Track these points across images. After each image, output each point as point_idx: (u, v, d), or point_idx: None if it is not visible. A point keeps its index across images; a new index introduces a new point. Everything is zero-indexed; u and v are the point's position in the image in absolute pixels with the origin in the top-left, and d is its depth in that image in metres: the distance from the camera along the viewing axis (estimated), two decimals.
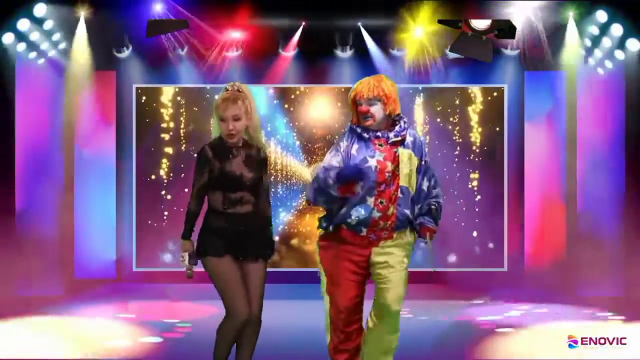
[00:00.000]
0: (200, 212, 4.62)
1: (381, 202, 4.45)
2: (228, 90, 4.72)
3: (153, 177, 10.21)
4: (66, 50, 9.78)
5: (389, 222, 4.47)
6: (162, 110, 10.40)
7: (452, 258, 10.25)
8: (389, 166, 4.48)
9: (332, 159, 4.52)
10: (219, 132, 4.63)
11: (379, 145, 4.51)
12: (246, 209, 4.60)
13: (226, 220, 4.57)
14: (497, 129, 10.38)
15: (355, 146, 4.54)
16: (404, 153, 4.52)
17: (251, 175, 4.61)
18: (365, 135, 4.54)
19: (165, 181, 10.25)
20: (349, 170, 4.39)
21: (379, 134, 4.53)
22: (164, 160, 10.27)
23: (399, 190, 4.48)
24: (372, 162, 4.47)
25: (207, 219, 4.63)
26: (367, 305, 4.60)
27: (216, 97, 4.74)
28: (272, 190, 10.48)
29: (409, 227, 4.55)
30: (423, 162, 4.59)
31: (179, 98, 10.39)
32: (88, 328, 7.43)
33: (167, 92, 10.41)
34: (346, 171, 4.39)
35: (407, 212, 4.51)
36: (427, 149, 4.66)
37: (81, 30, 9.58)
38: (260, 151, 4.71)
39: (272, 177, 10.44)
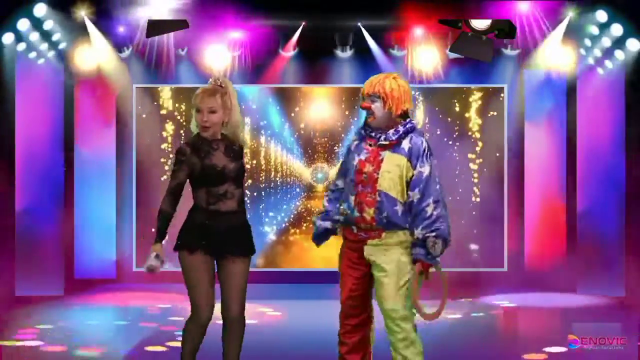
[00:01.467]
0: (173, 214, 4.55)
1: (360, 203, 4.44)
2: (210, 83, 4.69)
3: (153, 177, 10.21)
4: (63, 51, 9.78)
5: (369, 225, 4.44)
6: (162, 110, 10.40)
7: (452, 258, 10.24)
8: (367, 167, 4.44)
9: (339, 166, 4.72)
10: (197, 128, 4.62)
11: (369, 145, 4.50)
12: (230, 205, 4.54)
13: (208, 217, 4.54)
14: (497, 129, 10.37)
15: (356, 142, 4.59)
16: (392, 158, 4.43)
17: (233, 165, 4.57)
18: (363, 132, 4.56)
19: (166, 181, 10.24)
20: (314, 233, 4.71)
21: (372, 133, 4.50)
22: (164, 160, 10.26)
23: (377, 194, 4.40)
24: (355, 160, 4.50)
25: (189, 215, 4.61)
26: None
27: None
28: (273, 189, 10.47)
29: (404, 230, 4.43)
30: (415, 172, 4.41)
31: (178, 98, 10.39)
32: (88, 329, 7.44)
33: (167, 92, 10.41)
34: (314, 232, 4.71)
35: (390, 218, 4.38)
36: (429, 160, 4.44)
37: (93, 32, 9.58)
38: (237, 144, 4.66)
39: (272, 177, 10.45)
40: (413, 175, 4.41)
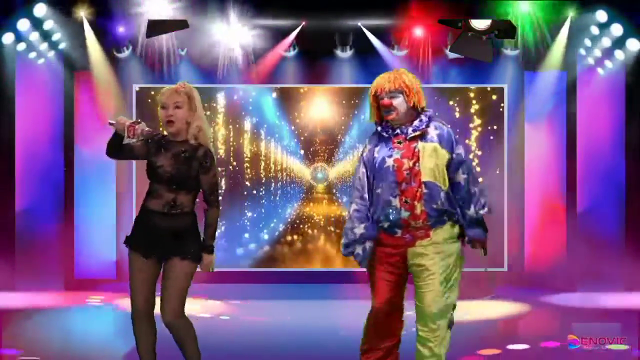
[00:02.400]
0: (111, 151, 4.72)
1: (406, 201, 4.36)
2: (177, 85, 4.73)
3: None
4: (67, 51, 9.78)
5: (421, 221, 4.37)
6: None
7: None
8: (407, 163, 4.37)
9: (356, 176, 4.54)
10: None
11: (398, 142, 4.43)
12: (156, 204, 4.57)
13: (144, 214, 4.61)
14: (497, 129, 10.37)
15: (377, 147, 4.49)
16: (426, 147, 4.39)
17: (171, 170, 4.57)
18: (385, 134, 4.47)
19: None
20: (344, 253, 4.52)
21: (397, 131, 4.44)
22: None
23: (423, 186, 4.35)
24: (389, 162, 4.40)
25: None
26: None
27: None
28: (273, 190, 10.47)
29: (449, 222, 4.43)
30: (454, 155, 4.43)
31: None
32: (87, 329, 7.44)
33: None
34: (344, 251, 4.52)
35: (439, 207, 4.37)
36: (458, 141, 4.49)
37: (89, 33, 9.57)
38: (199, 150, 4.60)
39: (272, 177, 10.44)
40: (450, 159, 4.42)
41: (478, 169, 10.37)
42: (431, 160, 4.38)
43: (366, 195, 4.48)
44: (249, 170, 10.41)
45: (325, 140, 10.47)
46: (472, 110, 10.40)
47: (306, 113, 10.49)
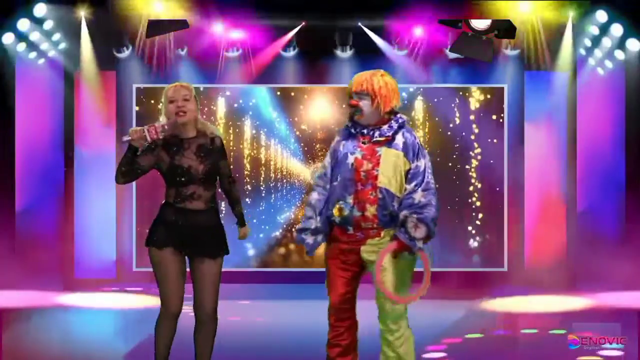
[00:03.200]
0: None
1: (359, 202, 4.39)
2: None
3: (153, 177, 10.18)
4: (67, 51, 9.78)
5: (371, 223, 4.39)
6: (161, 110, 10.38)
7: (452, 258, 10.24)
8: (366, 165, 4.39)
9: (321, 164, 4.62)
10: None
11: (363, 142, 4.45)
12: (197, 205, 4.61)
13: (175, 214, 4.61)
14: (497, 129, 10.36)
15: (343, 142, 4.53)
16: (389, 153, 4.39)
17: (202, 167, 4.61)
18: (353, 130, 4.50)
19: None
20: (297, 237, 4.62)
21: (365, 130, 4.45)
22: None
23: (378, 190, 4.36)
24: (350, 159, 4.43)
25: (160, 211, 4.69)
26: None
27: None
28: (273, 189, 10.47)
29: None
30: (413, 166, 4.39)
31: None
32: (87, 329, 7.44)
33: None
34: (297, 236, 4.61)
35: (392, 213, 4.36)
36: (423, 153, 4.43)
37: (84, 32, 9.56)
38: (214, 140, 4.72)
39: (272, 176, 10.44)
40: (409, 170, 4.40)
41: (477, 169, 10.38)
42: (391, 167, 4.38)
43: (328, 186, 4.54)
44: (248, 170, 10.41)
45: (325, 140, 10.46)
46: (472, 110, 10.39)
47: (306, 113, 10.49)
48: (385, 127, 4.44)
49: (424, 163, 4.41)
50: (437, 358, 6.09)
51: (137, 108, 10.30)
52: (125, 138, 4.54)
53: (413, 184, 4.37)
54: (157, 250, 4.62)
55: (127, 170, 4.62)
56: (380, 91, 4.41)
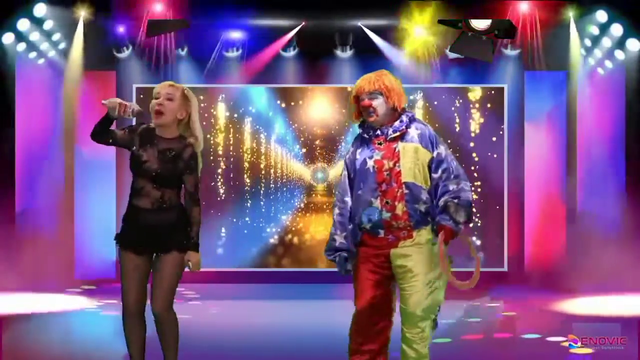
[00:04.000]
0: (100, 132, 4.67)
1: (387, 202, 4.34)
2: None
3: None
4: (65, 51, 9.78)
5: (402, 222, 4.35)
6: None
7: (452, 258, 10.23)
8: (387, 164, 4.37)
9: (341, 178, 4.54)
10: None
11: (378, 143, 4.42)
12: (145, 202, 4.55)
13: (133, 212, 4.60)
14: (497, 129, 10.37)
15: (359, 149, 4.49)
16: (406, 147, 4.37)
17: (157, 167, 4.55)
18: (366, 135, 4.47)
19: None
20: (326, 257, 4.51)
21: (378, 132, 4.43)
22: None
23: (404, 186, 4.34)
24: (370, 164, 4.39)
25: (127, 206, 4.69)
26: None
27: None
28: (273, 189, 10.47)
29: (433, 222, 4.38)
30: (435, 154, 4.39)
31: None
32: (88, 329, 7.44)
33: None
34: (327, 256, 4.50)
35: (422, 207, 4.34)
36: (440, 141, 4.45)
37: (79, 31, 9.55)
38: (185, 150, 4.61)
39: (272, 177, 10.44)
40: (431, 159, 4.38)
41: (477, 169, 10.38)
42: (412, 160, 4.37)
43: (347, 198, 4.48)
44: (249, 170, 10.41)
45: (325, 140, 10.47)
46: (472, 110, 10.40)
47: (306, 113, 10.49)
48: (397, 123, 4.43)
49: (444, 150, 4.42)
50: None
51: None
52: (104, 101, 4.62)
53: (440, 171, 4.37)
54: (120, 250, 4.63)
55: (98, 131, 4.63)
56: (394, 87, 4.42)
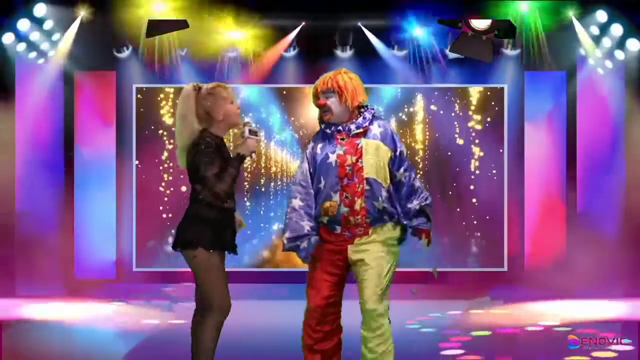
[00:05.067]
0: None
1: (347, 197, 4.40)
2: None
3: (153, 177, 10.20)
4: (64, 50, 9.77)
5: (359, 217, 4.40)
6: (162, 110, 10.39)
7: (453, 258, 10.24)
8: (349, 159, 4.42)
9: (299, 172, 4.58)
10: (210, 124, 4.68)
11: (341, 139, 4.47)
12: (232, 203, 4.61)
13: (223, 214, 4.61)
14: (497, 129, 10.36)
15: (320, 144, 4.55)
16: (369, 144, 4.44)
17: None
18: (328, 131, 4.53)
19: (165, 181, 10.24)
20: (287, 246, 4.53)
21: (340, 127, 4.49)
22: (164, 160, 10.25)
23: (365, 182, 4.39)
24: (332, 158, 4.45)
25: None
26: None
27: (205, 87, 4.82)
28: (272, 189, 10.47)
29: (390, 222, 4.46)
30: (397, 152, 4.48)
31: (178, 98, 10.36)
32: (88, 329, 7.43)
33: (167, 92, 10.40)
34: (287, 245, 4.53)
35: (380, 204, 4.39)
36: (399, 138, 4.53)
37: (73, 31, 9.53)
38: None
39: (272, 177, 10.44)
40: (392, 157, 4.47)
41: (477, 169, 10.38)
42: (374, 157, 4.43)
43: (311, 191, 4.52)
44: (248, 169, 10.41)
45: None
46: (472, 110, 10.39)
47: (306, 113, 10.48)
48: (360, 119, 4.49)
49: (404, 148, 4.55)
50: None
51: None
52: (251, 131, 4.64)
53: (402, 169, 4.49)
54: (214, 249, 4.60)
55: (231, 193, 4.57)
56: (346, 86, 4.49)
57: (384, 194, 4.42)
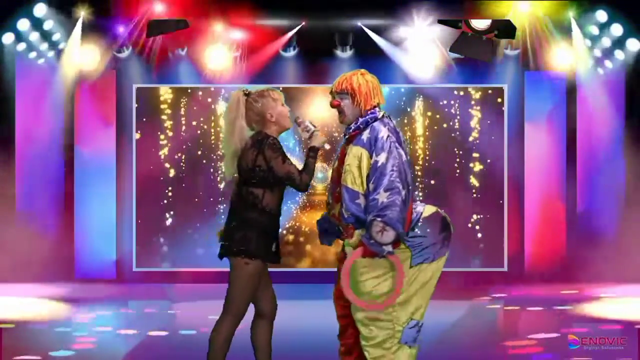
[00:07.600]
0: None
1: (329, 202, 4.49)
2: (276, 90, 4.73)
3: (153, 177, 10.20)
4: (65, 50, 9.78)
5: (337, 222, 4.42)
6: (162, 110, 10.39)
7: (452, 258, 10.23)
8: (336, 164, 4.44)
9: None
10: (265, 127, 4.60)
11: (343, 143, 4.50)
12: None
13: (275, 222, 4.63)
14: (497, 129, 10.36)
15: (338, 149, 4.57)
16: (353, 150, 4.33)
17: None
18: (343, 134, 4.55)
19: (166, 181, 10.24)
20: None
21: (345, 130, 4.50)
22: (164, 160, 10.25)
23: (341, 188, 4.35)
24: (335, 163, 4.49)
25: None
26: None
27: (270, 92, 4.76)
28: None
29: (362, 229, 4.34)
30: (373, 161, 4.24)
31: (178, 98, 10.38)
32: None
33: (167, 92, 10.40)
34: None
35: (353, 212, 4.27)
36: (385, 148, 4.23)
37: (76, 32, 9.55)
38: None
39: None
40: (370, 165, 4.27)
41: (477, 168, 10.38)
42: (353, 164, 4.31)
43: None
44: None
45: (325, 141, 10.46)
46: (472, 110, 10.40)
47: (306, 113, 10.48)
48: (353, 124, 4.41)
49: (384, 158, 4.22)
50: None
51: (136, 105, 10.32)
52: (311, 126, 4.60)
53: (371, 181, 4.22)
54: (265, 260, 4.56)
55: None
56: (360, 89, 4.39)
57: (360, 201, 4.27)
